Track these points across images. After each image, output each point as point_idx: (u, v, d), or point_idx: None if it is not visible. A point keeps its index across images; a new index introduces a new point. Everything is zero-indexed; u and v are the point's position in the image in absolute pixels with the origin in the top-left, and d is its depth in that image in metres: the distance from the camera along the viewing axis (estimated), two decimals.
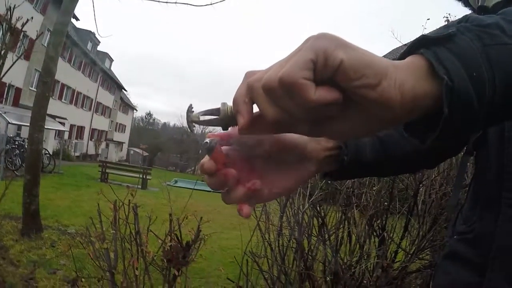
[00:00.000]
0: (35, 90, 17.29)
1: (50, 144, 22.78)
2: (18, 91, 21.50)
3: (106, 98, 41.28)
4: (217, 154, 0.51)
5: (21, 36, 4.60)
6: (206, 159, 0.52)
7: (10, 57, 4.10)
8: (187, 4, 7.83)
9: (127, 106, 53.59)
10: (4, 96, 19.61)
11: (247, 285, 2.45)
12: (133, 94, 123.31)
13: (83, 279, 3.10)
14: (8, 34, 4.25)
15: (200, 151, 55.17)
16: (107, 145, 41.86)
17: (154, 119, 71.04)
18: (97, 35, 8.94)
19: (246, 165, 0.55)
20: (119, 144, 46.82)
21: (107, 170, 16.37)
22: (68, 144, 27.86)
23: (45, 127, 6.49)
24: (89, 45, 34.25)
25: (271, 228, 2.58)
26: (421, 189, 2.57)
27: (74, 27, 28.46)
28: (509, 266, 0.77)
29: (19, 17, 4.53)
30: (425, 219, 2.49)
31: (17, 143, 14.58)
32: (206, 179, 0.54)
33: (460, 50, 0.40)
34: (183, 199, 3.32)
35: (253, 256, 2.41)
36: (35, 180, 6.01)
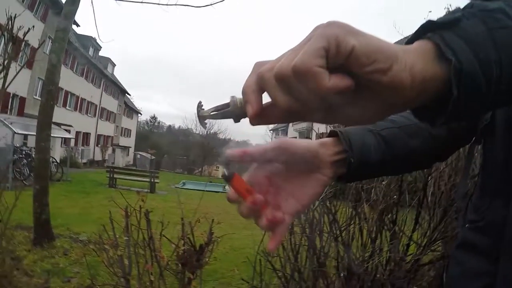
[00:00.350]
0: (39, 98, 17.39)
1: (57, 152, 22.88)
2: (22, 100, 21.60)
3: (110, 103, 41.41)
4: (236, 182, 0.53)
5: (22, 45, 4.61)
6: (229, 190, 0.55)
7: (13, 67, 4.12)
8: (187, 5, 7.85)
9: (131, 110, 53.74)
10: (9, 106, 19.71)
11: (261, 284, 2.46)
12: (137, 98, 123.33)
13: (98, 286, 3.12)
14: (10, 44, 4.26)
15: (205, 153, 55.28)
16: (113, 150, 42.01)
17: (159, 122, 71.24)
18: (98, 41, 8.99)
19: (266, 182, 0.57)
20: (125, 148, 46.97)
21: (115, 176, 16.41)
22: (74, 151, 27.97)
23: (51, 135, 6.51)
24: (91, 51, 34.38)
25: None
26: (430, 181, 2.56)
27: (75, 33, 28.54)
28: None
29: (20, 26, 4.55)
30: (435, 210, 2.48)
31: (24, 152, 14.66)
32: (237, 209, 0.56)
33: (466, 33, 0.41)
34: (193, 201, 3.34)
35: (266, 256, 2.42)
36: (44, 189, 6.04)
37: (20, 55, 4.48)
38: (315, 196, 0.62)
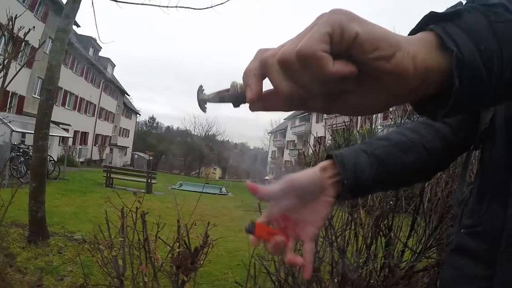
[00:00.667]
0: (38, 97, 17.38)
1: (55, 151, 22.85)
2: (21, 99, 21.58)
3: (109, 103, 41.40)
4: (258, 231, 0.61)
5: (23, 45, 4.61)
6: (251, 237, 0.61)
7: (13, 66, 4.11)
8: (187, 7, 7.86)
9: (130, 110, 53.72)
10: (8, 105, 19.69)
11: None
12: (135, 99, 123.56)
13: (91, 286, 3.11)
14: (11, 44, 4.26)
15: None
16: (111, 150, 41.97)
17: (157, 123, 71.16)
18: (98, 41, 8.98)
19: (284, 218, 0.64)
20: (123, 148, 46.92)
21: (112, 175, 16.39)
22: (72, 150, 27.96)
23: (49, 134, 6.51)
24: (91, 51, 34.38)
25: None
26: (426, 187, 2.56)
27: (76, 33, 28.56)
28: None
29: (21, 27, 4.54)
30: (431, 217, 2.48)
31: (21, 150, 14.62)
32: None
33: (467, 26, 0.41)
34: (189, 202, 3.34)
35: (261, 259, 2.42)
36: (41, 187, 6.04)
37: (20, 55, 4.46)
38: (326, 217, 0.69)
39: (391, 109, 3.72)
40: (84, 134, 34.12)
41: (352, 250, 2.38)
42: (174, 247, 2.29)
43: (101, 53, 37.57)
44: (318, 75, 0.37)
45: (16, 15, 4.46)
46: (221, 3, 7.88)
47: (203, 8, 7.94)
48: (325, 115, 37.60)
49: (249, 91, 0.43)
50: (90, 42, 33.13)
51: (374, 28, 0.38)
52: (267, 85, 0.43)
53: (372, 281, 2.29)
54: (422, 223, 2.52)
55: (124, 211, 2.44)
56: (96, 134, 37.14)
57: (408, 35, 0.44)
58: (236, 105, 0.48)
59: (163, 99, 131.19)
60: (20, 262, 4.74)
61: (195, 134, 62.59)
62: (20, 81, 19.30)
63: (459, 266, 0.92)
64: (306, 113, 47.44)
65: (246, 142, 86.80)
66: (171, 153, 59.66)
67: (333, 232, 2.39)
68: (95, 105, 36.45)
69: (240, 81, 0.46)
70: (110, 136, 43.04)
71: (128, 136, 52.76)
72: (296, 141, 50.14)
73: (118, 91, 44.80)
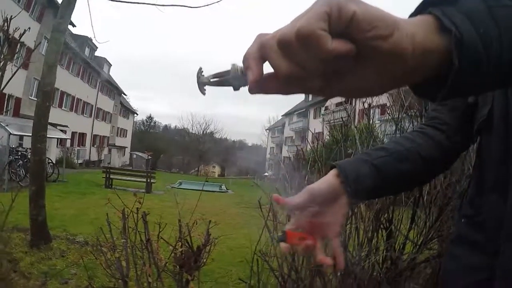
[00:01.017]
0: (35, 99, 17.30)
1: (53, 153, 22.81)
2: (18, 101, 21.51)
3: (106, 103, 41.30)
4: (290, 238, 0.72)
5: (18, 47, 4.60)
6: (283, 244, 0.72)
7: (9, 68, 4.10)
8: (183, 6, 7.84)
9: (127, 110, 53.62)
10: (4, 107, 19.62)
11: (258, 284, 2.46)
12: (133, 98, 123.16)
13: None
14: (6, 45, 4.25)
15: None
16: (109, 151, 41.93)
17: (155, 122, 71.05)
18: (94, 41, 8.97)
19: (310, 224, 0.75)
20: (121, 148, 46.89)
21: (111, 176, 16.36)
22: (70, 151, 27.91)
23: (47, 136, 6.50)
24: (87, 51, 34.25)
25: (279, 227, 2.60)
26: None
27: (71, 33, 28.42)
28: None
29: (16, 28, 4.53)
30: (431, 209, 2.49)
31: (19, 153, 14.58)
32: None
33: (466, 9, 0.41)
34: (189, 201, 3.34)
35: (263, 256, 2.43)
36: (40, 190, 6.02)
37: (15, 56, 4.45)
38: (345, 215, 0.82)
39: (388, 103, 3.73)
40: (82, 135, 34.06)
41: (353, 244, 2.40)
42: (176, 246, 2.29)
43: (97, 53, 37.43)
44: (317, 54, 0.38)
45: (11, 16, 4.44)
46: (217, 1, 7.86)
47: (199, 7, 7.91)
48: (322, 111, 37.65)
49: (250, 73, 0.43)
50: (86, 42, 32.98)
51: (371, 8, 0.38)
52: (266, 69, 0.43)
53: (375, 274, 2.30)
54: (422, 215, 2.54)
55: (125, 212, 2.45)
56: (94, 135, 37.07)
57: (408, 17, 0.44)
58: (237, 88, 0.48)
59: (160, 98, 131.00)
60: (23, 267, 4.74)
61: (193, 132, 62.53)
62: (16, 83, 19.24)
63: (460, 256, 0.93)
64: (304, 109, 47.44)
65: (244, 139, 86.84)
66: (170, 152, 59.58)
67: None
68: (92, 106, 36.38)
69: (240, 64, 0.46)
70: (108, 137, 42.97)
71: (126, 136, 52.68)
72: (294, 137, 50.12)
73: (115, 91, 44.71)
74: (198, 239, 2.40)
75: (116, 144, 45.00)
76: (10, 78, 3.94)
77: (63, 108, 28.95)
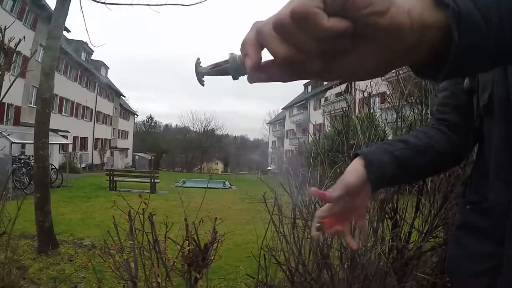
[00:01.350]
0: (34, 106, 17.32)
1: (56, 159, 22.85)
2: (17, 109, 21.53)
3: (106, 106, 41.31)
4: (325, 226, 0.84)
5: (14, 56, 4.59)
6: (315, 232, 0.85)
7: (7, 78, 4.10)
8: (176, 4, 7.82)
9: (127, 112, 53.63)
10: (4, 117, 19.64)
11: (266, 279, 2.48)
12: (132, 99, 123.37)
13: None
14: (2, 55, 4.25)
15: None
16: (111, 153, 41.98)
17: (155, 122, 70.94)
18: (90, 45, 8.91)
19: (343, 213, 0.86)
20: (124, 150, 46.91)
21: (114, 178, 16.35)
22: (73, 156, 27.97)
23: (49, 142, 6.51)
24: (83, 56, 34.22)
25: (284, 221, 2.60)
26: None
27: (66, 39, 28.39)
28: None
29: (11, 38, 4.53)
30: (436, 197, 2.50)
31: (22, 161, 14.64)
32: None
33: None
34: (194, 199, 3.35)
35: (270, 250, 2.44)
36: (45, 197, 6.05)
37: (12, 66, 4.45)
38: (370, 199, 0.95)
39: (388, 92, 3.72)
40: (84, 139, 34.10)
41: (359, 235, 2.40)
42: (184, 245, 2.30)
43: (93, 56, 37.38)
44: (314, 33, 0.37)
45: (5, 26, 4.44)
46: None
47: (192, 4, 7.90)
48: (322, 102, 37.57)
49: (248, 60, 0.42)
50: (81, 46, 32.94)
51: None
52: (265, 57, 0.43)
53: (381, 264, 2.31)
54: (427, 203, 2.54)
55: (131, 213, 2.46)
56: (95, 138, 37.11)
57: None
58: (236, 77, 0.48)
59: (160, 97, 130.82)
60: (32, 273, 4.77)
61: (194, 130, 62.52)
62: (15, 92, 19.25)
63: (466, 243, 0.94)
64: (304, 101, 47.35)
65: (245, 134, 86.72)
66: (172, 151, 59.59)
67: None
68: (92, 109, 36.39)
69: (238, 52, 0.45)
70: (110, 139, 43.03)
71: (127, 138, 52.72)
72: (295, 130, 50.10)
73: (114, 93, 44.71)
74: (205, 237, 2.41)
75: (118, 146, 45.03)
76: (9, 88, 3.94)
77: (63, 113, 28.98)
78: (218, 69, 0.49)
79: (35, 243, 5.97)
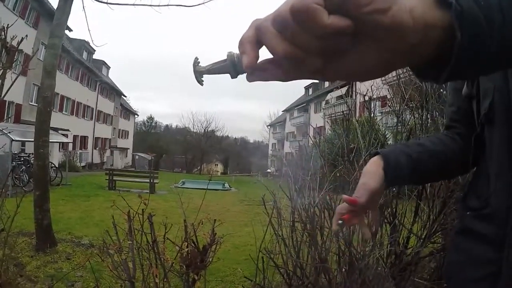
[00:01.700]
0: (35, 105, 17.32)
1: (56, 157, 22.86)
2: (18, 107, 21.52)
3: (107, 105, 41.32)
4: (347, 222, 0.91)
5: (16, 55, 4.59)
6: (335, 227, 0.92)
7: (8, 76, 4.10)
8: (179, 5, 7.82)
9: (128, 111, 53.64)
10: (5, 114, 19.64)
11: (264, 281, 2.47)
12: (132, 99, 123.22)
13: None
14: (5, 54, 4.25)
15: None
16: (111, 153, 41.98)
17: (156, 122, 70.98)
18: (92, 44, 8.92)
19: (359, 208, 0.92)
20: (124, 150, 46.91)
21: (114, 178, 16.34)
22: (73, 155, 27.95)
23: (49, 140, 6.51)
24: (85, 55, 34.23)
25: (283, 224, 2.60)
26: None
27: (68, 37, 28.42)
28: None
29: (14, 36, 4.53)
30: (435, 202, 2.50)
31: (22, 159, 14.65)
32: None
33: None
34: (193, 200, 3.35)
35: (268, 253, 2.44)
36: (44, 195, 6.05)
37: (14, 64, 4.44)
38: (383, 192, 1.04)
39: (389, 96, 3.73)
40: (84, 138, 34.10)
41: (357, 239, 2.40)
42: (182, 246, 2.30)
43: (94, 56, 37.40)
44: (314, 30, 0.36)
45: (8, 24, 4.44)
46: None
47: (195, 5, 7.90)
48: (323, 105, 37.56)
49: (245, 58, 0.41)
50: (83, 45, 32.97)
51: None
52: (263, 56, 0.42)
53: (379, 269, 2.31)
54: (426, 208, 2.54)
55: (130, 214, 2.46)
56: (95, 137, 37.10)
57: None
58: (234, 75, 0.47)
59: (160, 98, 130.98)
60: (30, 271, 4.77)
61: (194, 131, 62.53)
62: (16, 90, 19.25)
63: (466, 249, 0.93)
64: (304, 104, 47.36)
65: (246, 136, 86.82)
66: (172, 151, 59.59)
67: None
68: (92, 109, 36.40)
69: (236, 51, 0.44)
70: (110, 139, 43.02)
71: (127, 138, 52.71)
72: (295, 133, 50.09)
73: (115, 93, 44.72)
74: (204, 239, 2.41)
75: (118, 146, 45.03)
76: (10, 86, 3.94)
77: (63, 112, 28.98)
78: (216, 68, 0.49)
79: (33, 241, 5.95)
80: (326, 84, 39.60)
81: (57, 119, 22.09)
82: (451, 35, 0.39)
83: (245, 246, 6.29)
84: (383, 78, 0.45)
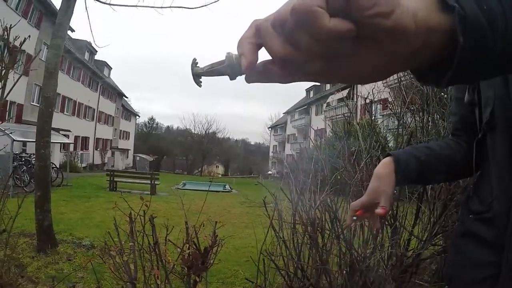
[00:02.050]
0: (36, 105, 17.34)
1: (57, 157, 22.88)
2: (19, 107, 21.55)
3: (108, 106, 41.35)
4: (360, 216, 1.06)
5: (19, 56, 4.60)
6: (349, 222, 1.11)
7: (10, 76, 4.11)
8: (181, 7, 7.83)
9: (129, 112, 53.66)
10: (7, 115, 19.65)
11: (265, 283, 2.48)
12: (134, 100, 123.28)
13: None
14: (7, 54, 4.26)
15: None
16: (112, 154, 42.00)
17: (157, 124, 70.97)
18: (94, 45, 8.92)
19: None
20: (125, 151, 46.93)
21: (115, 179, 16.34)
22: (74, 156, 27.96)
23: (51, 141, 6.52)
24: (87, 55, 34.25)
25: (284, 226, 2.61)
26: None
27: (70, 38, 28.45)
28: None
29: (16, 36, 4.55)
30: (435, 205, 2.50)
31: (23, 159, 14.66)
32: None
33: None
34: (194, 202, 3.36)
35: (269, 255, 2.44)
36: (46, 195, 6.05)
37: (16, 64, 4.45)
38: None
39: (390, 98, 3.73)
40: (85, 139, 34.13)
41: (358, 241, 2.41)
42: (184, 248, 2.31)
43: (96, 56, 37.41)
44: (315, 32, 0.35)
45: (11, 24, 4.46)
46: (215, 1, 7.86)
47: (197, 7, 7.91)
48: (324, 107, 37.56)
49: (244, 59, 0.41)
50: (85, 46, 33.00)
51: None
52: (263, 57, 0.41)
53: (380, 271, 2.31)
54: (427, 211, 2.54)
55: (132, 215, 2.46)
56: (96, 138, 37.13)
57: None
58: (233, 77, 0.46)
59: (162, 99, 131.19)
60: (31, 272, 4.76)
61: (195, 133, 62.50)
62: (17, 90, 19.20)
63: (467, 251, 0.94)
64: (305, 106, 47.34)
65: (247, 138, 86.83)
66: (173, 153, 59.60)
67: (339, 224, 2.41)
68: (94, 109, 36.42)
69: (235, 52, 0.43)
70: (111, 140, 43.05)
71: (128, 139, 52.73)
72: (296, 135, 50.07)
73: (116, 94, 44.76)
74: (205, 240, 2.41)
75: (119, 147, 45.05)
76: (13, 87, 3.95)
77: (65, 112, 29.01)
78: (215, 70, 0.47)
79: (34, 242, 5.95)
80: (328, 86, 39.55)
81: (58, 119, 22.08)
82: (453, 39, 0.39)
83: (246, 248, 6.30)
84: (384, 81, 0.45)
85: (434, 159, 1.09)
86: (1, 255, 3.31)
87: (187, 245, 2.31)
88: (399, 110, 3.10)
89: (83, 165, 30.69)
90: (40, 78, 6.73)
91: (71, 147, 26.04)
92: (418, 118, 3.01)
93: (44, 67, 6.26)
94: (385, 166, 1.07)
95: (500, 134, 0.86)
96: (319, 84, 40.58)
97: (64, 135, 23.11)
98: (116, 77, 70.21)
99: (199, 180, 30.63)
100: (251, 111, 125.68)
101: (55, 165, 16.55)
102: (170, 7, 7.64)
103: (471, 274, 0.91)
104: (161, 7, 7.65)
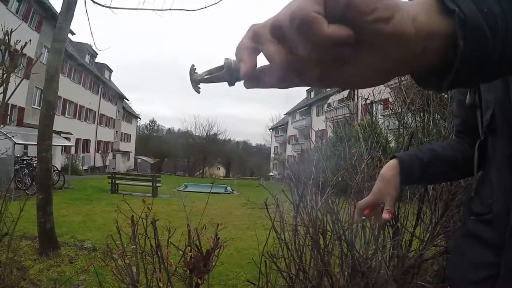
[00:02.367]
0: (38, 108, 17.36)
1: (58, 160, 22.88)
2: (21, 110, 21.59)
3: (109, 109, 41.41)
4: (367, 215, 1.14)
5: (20, 59, 4.60)
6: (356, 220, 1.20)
7: (12, 79, 4.12)
8: (181, 9, 7.85)
9: (130, 115, 53.70)
10: (8, 119, 19.66)
11: (267, 285, 2.48)
12: (135, 102, 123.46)
13: None
14: (8, 58, 4.27)
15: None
16: (114, 156, 42.03)
17: (158, 126, 71.01)
18: (94, 48, 8.90)
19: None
20: (126, 153, 46.97)
21: (116, 181, 16.35)
22: (75, 158, 27.98)
23: (52, 144, 6.53)
24: (87, 58, 34.33)
25: (286, 228, 2.61)
26: None
27: (71, 41, 28.50)
28: None
29: (17, 40, 4.55)
30: (437, 205, 2.50)
31: (25, 162, 14.66)
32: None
33: None
34: (195, 204, 3.35)
35: (271, 257, 2.44)
36: (47, 198, 6.06)
37: (18, 68, 4.46)
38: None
39: (390, 99, 3.73)
40: (86, 142, 34.17)
41: (360, 242, 2.40)
42: (186, 251, 2.31)
43: (97, 59, 37.46)
44: (313, 38, 0.35)
45: (11, 29, 4.46)
46: (215, 3, 7.88)
47: (197, 9, 7.93)
48: (325, 108, 37.55)
49: (242, 65, 0.40)
50: (86, 49, 33.10)
51: None
52: (261, 63, 0.41)
53: (382, 272, 2.31)
54: (428, 211, 2.54)
55: (134, 218, 2.47)
56: (98, 141, 37.18)
57: None
58: (232, 83, 0.46)
59: (162, 101, 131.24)
60: (33, 274, 4.77)
61: (196, 134, 62.49)
62: (19, 93, 19.18)
63: (469, 252, 0.95)
64: (306, 107, 47.33)
65: (248, 139, 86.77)
66: (174, 155, 59.59)
67: (340, 226, 2.41)
68: (95, 112, 36.48)
69: (234, 57, 0.43)
70: (112, 142, 43.09)
71: (129, 141, 52.78)
72: (297, 136, 50.04)
73: (117, 96, 44.81)
74: (207, 243, 2.41)
75: (120, 149, 45.09)
76: (14, 90, 3.96)
77: (66, 115, 29.06)
78: (213, 76, 0.47)
79: (36, 244, 5.96)
80: None
81: (59, 122, 22.12)
82: (453, 43, 0.38)
83: (248, 250, 6.29)
84: None
85: (437, 161, 1.12)
86: (3, 258, 3.31)
87: (189, 247, 2.31)
88: (400, 110, 3.10)
89: (85, 167, 30.72)
90: (41, 81, 6.74)
91: (73, 150, 26.07)
92: (419, 118, 3.02)
93: (45, 70, 6.28)
94: (390, 168, 1.12)
95: (500, 136, 0.87)
96: None
97: (66, 138, 23.13)
98: (117, 80, 70.21)
99: (200, 182, 30.60)
100: (252, 112, 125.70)
101: (56, 168, 16.55)
102: (170, 9, 7.66)
103: (472, 275, 0.91)
104: (161, 10, 7.67)
